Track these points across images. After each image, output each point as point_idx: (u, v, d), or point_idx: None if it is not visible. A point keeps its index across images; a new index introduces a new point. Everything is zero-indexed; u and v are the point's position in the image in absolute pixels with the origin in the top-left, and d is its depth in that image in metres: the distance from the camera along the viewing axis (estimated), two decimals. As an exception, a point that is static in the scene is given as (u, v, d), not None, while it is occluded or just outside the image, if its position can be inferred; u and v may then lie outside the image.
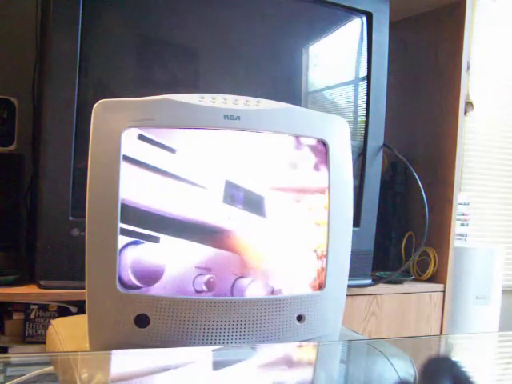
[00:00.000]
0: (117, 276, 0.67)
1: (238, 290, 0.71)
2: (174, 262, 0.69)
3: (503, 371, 0.78)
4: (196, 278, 0.70)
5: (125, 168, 0.67)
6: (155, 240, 0.68)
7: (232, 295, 0.70)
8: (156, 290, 0.68)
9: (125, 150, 0.67)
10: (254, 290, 0.72)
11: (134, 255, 0.67)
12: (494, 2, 2.23)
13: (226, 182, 0.70)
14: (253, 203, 0.71)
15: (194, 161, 0.70)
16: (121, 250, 0.67)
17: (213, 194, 0.70)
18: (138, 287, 0.68)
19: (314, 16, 1.41)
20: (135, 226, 0.68)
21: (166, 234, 0.68)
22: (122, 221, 0.67)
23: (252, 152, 0.72)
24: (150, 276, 0.68)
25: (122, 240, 0.67)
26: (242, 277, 0.71)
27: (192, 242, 0.69)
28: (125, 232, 0.67)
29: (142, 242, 0.68)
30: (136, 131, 0.68)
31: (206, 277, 0.70)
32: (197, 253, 0.69)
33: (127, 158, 0.67)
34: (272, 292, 0.72)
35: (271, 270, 0.73)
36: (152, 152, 0.68)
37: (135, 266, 0.68)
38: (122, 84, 1.26)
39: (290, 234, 0.74)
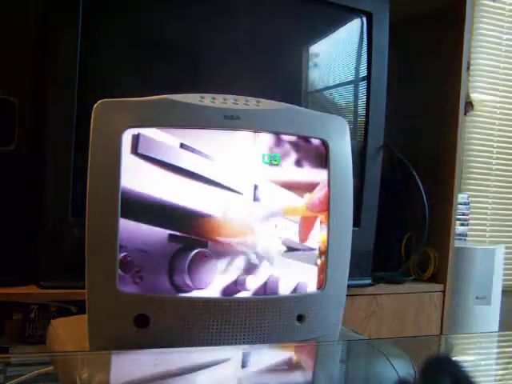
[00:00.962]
0: (117, 276, 0.67)
1: (270, 288, 0.72)
2: (221, 264, 0.70)
3: (503, 371, 0.78)
4: (237, 278, 0.71)
5: (169, 176, 0.69)
6: (204, 244, 0.69)
7: (265, 294, 0.72)
8: (206, 292, 0.70)
9: (165, 156, 0.69)
10: (282, 288, 0.73)
11: (188, 260, 0.69)
12: (493, 2, 2.23)
13: (254, 185, 0.72)
14: (266, 202, 0.73)
15: (225, 165, 0.71)
16: (174, 255, 0.68)
17: (245, 197, 0.71)
18: (191, 290, 0.69)
19: (313, 16, 1.41)
20: (184, 232, 0.69)
21: (210, 238, 0.70)
22: (172, 228, 0.69)
23: (256, 152, 0.73)
24: (205, 279, 0.70)
25: (175, 246, 0.68)
26: (272, 275, 0.73)
27: (231, 245, 0.71)
28: (175, 238, 0.69)
29: (194, 247, 0.69)
30: (176, 140, 0.69)
31: (246, 277, 0.71)
32: (235, 254, 0.71)
33: (171, 167, 0.69)
34: (295, 290, 0.74)
35: (283, 270, 0.73)
36: (191, 157, 0.69)
37: (190, 271, 0.69)
38: (122, 84, 1.26)
39: (292, 233, 0.74)
